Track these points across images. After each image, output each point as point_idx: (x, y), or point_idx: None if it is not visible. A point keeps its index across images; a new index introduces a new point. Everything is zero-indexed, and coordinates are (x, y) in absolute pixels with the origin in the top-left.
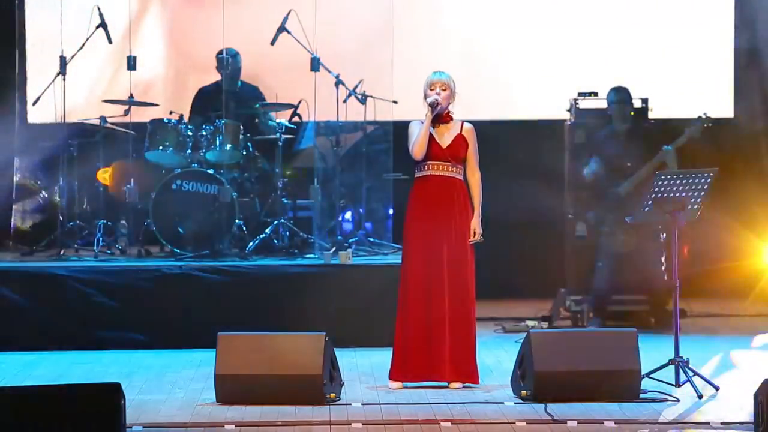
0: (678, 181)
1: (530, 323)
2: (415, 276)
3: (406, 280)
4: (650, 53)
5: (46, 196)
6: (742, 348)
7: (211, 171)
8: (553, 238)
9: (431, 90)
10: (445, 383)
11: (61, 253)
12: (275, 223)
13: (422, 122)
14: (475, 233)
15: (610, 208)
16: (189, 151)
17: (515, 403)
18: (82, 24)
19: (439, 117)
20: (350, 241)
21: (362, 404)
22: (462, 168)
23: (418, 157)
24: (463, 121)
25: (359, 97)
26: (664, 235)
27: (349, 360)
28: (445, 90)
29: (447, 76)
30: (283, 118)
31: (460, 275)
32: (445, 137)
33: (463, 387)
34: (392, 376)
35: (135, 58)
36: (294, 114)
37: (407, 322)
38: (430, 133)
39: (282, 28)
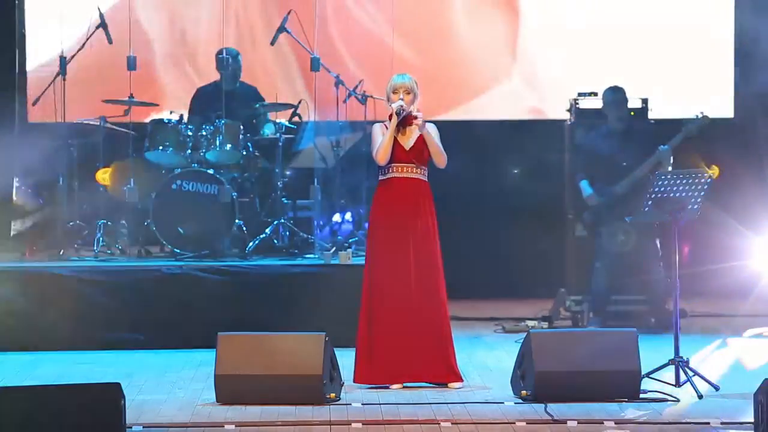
0: (678, 181)
1: (530, 323)
2: (381, 280)
3: (370, 283)
4: (650, 53)
5: (46, 196)
6: (742, 348)
7: (211, 171)
8: (553, 238)
9: (394, 94)
10: (438, 384)
11: (61, 253)
12: (275, 223)
13: (386, 125)
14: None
15: (606, 208)
16: (189, 151)
17: (515, 403)
18: (82, 24)
19: (403, 120)
20: (350, 241)
21: (362, 404)
22: (426, 169)
23: (382, 163)
24: (424, 122)
25: (359, 97)
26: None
27: (349, 360)
28: (408, 94)
29: (409, 79)
30: (283, 118)
31: (428, 276)
32: (409, 139)
33: (462, 387)
34: (356, 379)
35: (135, 58)
36: (294, 114)
37: (372, 326)
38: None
39: (282, 28)
